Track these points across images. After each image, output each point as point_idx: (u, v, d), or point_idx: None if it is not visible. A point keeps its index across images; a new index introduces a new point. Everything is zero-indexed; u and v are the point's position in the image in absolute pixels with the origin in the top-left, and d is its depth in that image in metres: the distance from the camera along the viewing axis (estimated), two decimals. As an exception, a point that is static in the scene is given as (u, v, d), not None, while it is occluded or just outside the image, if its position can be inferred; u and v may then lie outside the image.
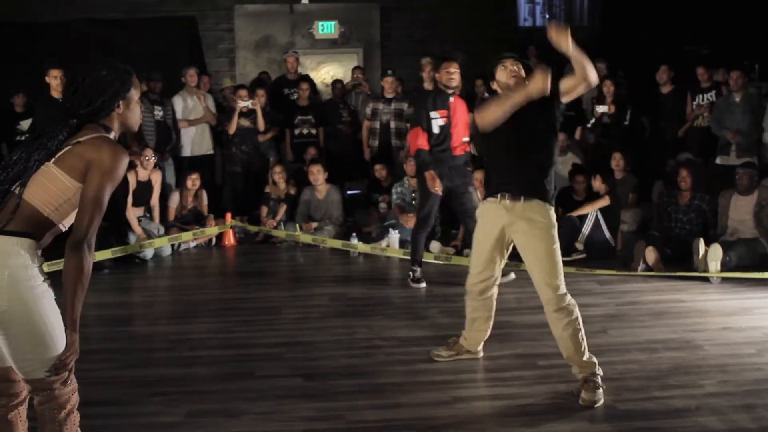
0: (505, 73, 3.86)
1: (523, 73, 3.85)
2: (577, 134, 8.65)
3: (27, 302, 2.35)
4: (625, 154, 7.80)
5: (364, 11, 11.06)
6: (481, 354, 4.33)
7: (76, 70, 2.53)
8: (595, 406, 3.61)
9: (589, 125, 8.50)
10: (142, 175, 7.56)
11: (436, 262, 6.75)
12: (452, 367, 4.20)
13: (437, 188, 5.73)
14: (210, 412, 3.66)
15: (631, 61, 9.47)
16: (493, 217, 3.93)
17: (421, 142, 5.78)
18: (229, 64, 11.07)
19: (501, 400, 3.76)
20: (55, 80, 7.23)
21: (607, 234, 7.07)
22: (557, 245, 3.78)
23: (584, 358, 3.74)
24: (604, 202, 7.09)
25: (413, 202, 7.81)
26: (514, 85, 3.80)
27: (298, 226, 7.86)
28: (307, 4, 10.95)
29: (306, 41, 11.00)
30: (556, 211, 3.94)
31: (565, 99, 3.79)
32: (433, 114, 5.79)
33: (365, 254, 7.28)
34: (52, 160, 2.41)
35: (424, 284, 6.01)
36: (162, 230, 7.59)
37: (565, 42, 3.52)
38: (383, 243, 7.32)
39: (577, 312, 3.75)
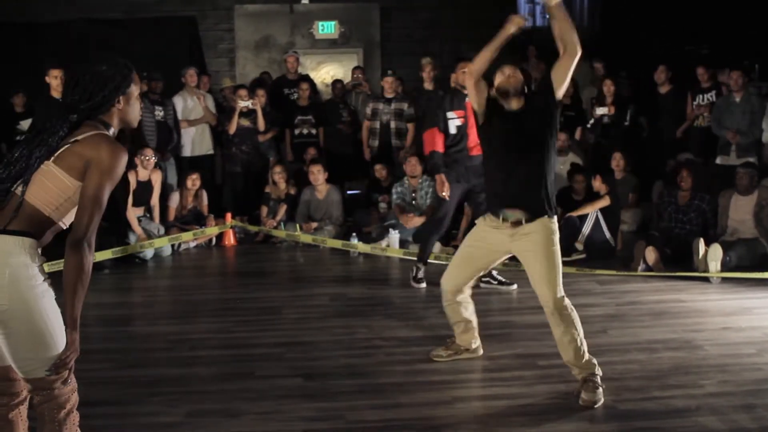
0: (502, 78, 3.84)
1: (521, 78, 3.85)
2: (577, 134, 8.66)
3: (27, 301, 2.35)
4: (625, 154, 7.81)
5: (364, 11, 11.06)
6: (481, 353, 4.33)
7: (76, 69, 2.53)
8: (595, 406, 3.61)
9: (588, 125, 8.51)
10: (143, 175, 7.56)
11: (436, 262, 6.73)
12: (452, 367, 4.20)
13: (446, 192, 5.73)
14: (210, 412, 3.66)
15: (631, 61, 9.47)
16: (494, 241, 3.93)
17: (438, 143, 5.76)
18: (229, 64, 11.07)
19: (501, 400, 3.76)
20: (55, 80, 7.23)
21: (607, 234, 7.07)
22: (558, 253, 3.77)
23: (583, 361, 3.74)
24: (604, 202, 7.08)
25: (413, 202, 7.81)
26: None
27: (298, 226, 7.86)
28: (307, 4, 10.95)
29: (306, 41, 10.99)
30: (556, 212, 3.93)
31: (562, 90, 3.77)
32: (450, 114, 5.74)
33: (365, 254, 7.28)
34: (52, 158, 2.41)
35: (424, 285, 6.00)
36: (162, 230, 7.59)
37: (556, 5, 3.59)
38: (383, 243, 7.32)
39: (575, 315, 3.75)
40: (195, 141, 8.62)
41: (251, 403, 3.75)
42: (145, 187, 7.59)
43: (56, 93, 7.21)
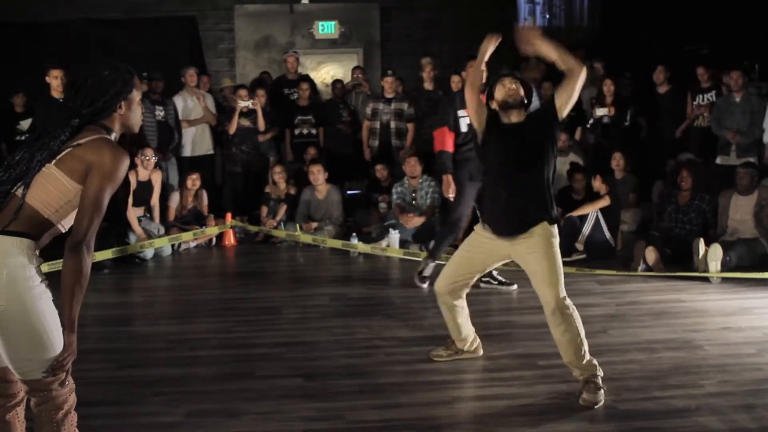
0: (503, 91, 3.85)
1: (521, 91, 3.85)
2: (577, 134, 8.66)
3: (25, 302, 2.35)
4: (625, 154, 7.81)
5: (364, 11, 11.06)
6: (481, 353, 4.33)
7: (77, 70, 2.54)
8: (596, 407, 3.61)
9: (588, 125, 8.51)
10: (143, 175, 7.56)
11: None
12: (452, 367, 4.20)
13: (451, 194, 5.72)
14: (210, 412, 3.66)
15: (631, 61, 9.47)
16: (492, 247, 3.93)
17: (447, 142, 5.75)
18: (229, 64, 11.07)
19: (501, 400, 3.76)
20: (55, 80, 7.23)
21: (607, 234, 7.07)
22: (558, 256, 3.77)
23: (584, 362, 3.73)
24: (605, 202, 7.08)
25: (413, 202, 7.81)
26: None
27: (298, 226, 7.86)
28: (307, 4, 10.95)
29: (306, 41, 10.99)
30: (557, 220, 3.90)
31: (566, 111, 3.78)
32: (460, 113, 5.71)
33: (365, 254, 7.28)
34: (53, 161, 2.42)
35: (426, 285, 5.99)
36: (162, 230, 7.59)
37: (540, 43, 3.58)
38: (383, 243, 7.32)
39: (576, 316, 3.74)
40: (195, 141, 8.62)
41: (251, 403, 3.75)
42: (145, 187, 7.59)
43: (56, 93, 7.22)
